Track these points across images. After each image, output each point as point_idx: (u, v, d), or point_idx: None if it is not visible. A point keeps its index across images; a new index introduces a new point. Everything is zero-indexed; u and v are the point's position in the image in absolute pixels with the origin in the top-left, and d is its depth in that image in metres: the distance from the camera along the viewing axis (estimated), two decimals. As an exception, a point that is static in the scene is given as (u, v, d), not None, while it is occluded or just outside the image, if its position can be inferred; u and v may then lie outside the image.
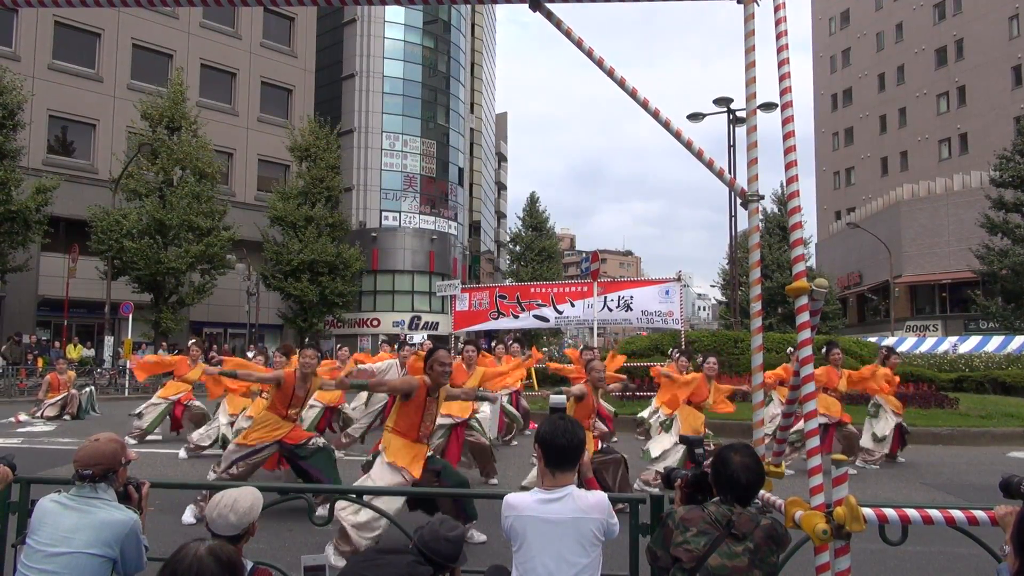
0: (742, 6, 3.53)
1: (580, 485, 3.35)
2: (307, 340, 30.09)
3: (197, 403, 11.99)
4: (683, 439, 3.29)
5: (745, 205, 3.58)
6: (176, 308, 27.40)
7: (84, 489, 2.94)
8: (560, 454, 2.98)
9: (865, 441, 10.07)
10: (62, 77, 30.08)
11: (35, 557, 2.81)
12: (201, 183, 27.46)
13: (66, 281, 26.45)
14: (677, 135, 3.55)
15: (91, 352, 28.22)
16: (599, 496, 3.03)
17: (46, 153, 29.50)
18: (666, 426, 8.50)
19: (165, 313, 26.76)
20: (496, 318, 18.87)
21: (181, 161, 27.17)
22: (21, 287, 27.67)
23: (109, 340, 26.22)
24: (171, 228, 26.14)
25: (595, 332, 17.48)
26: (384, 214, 42.57)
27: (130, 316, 24.49)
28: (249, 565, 2.73)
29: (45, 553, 2.80)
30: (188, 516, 6.34)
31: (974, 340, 28.32)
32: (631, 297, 18.36)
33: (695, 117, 22.10)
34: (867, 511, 2.86)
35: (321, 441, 6.82)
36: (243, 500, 2.79)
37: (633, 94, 3.59)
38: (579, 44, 3.61)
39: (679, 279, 18.50)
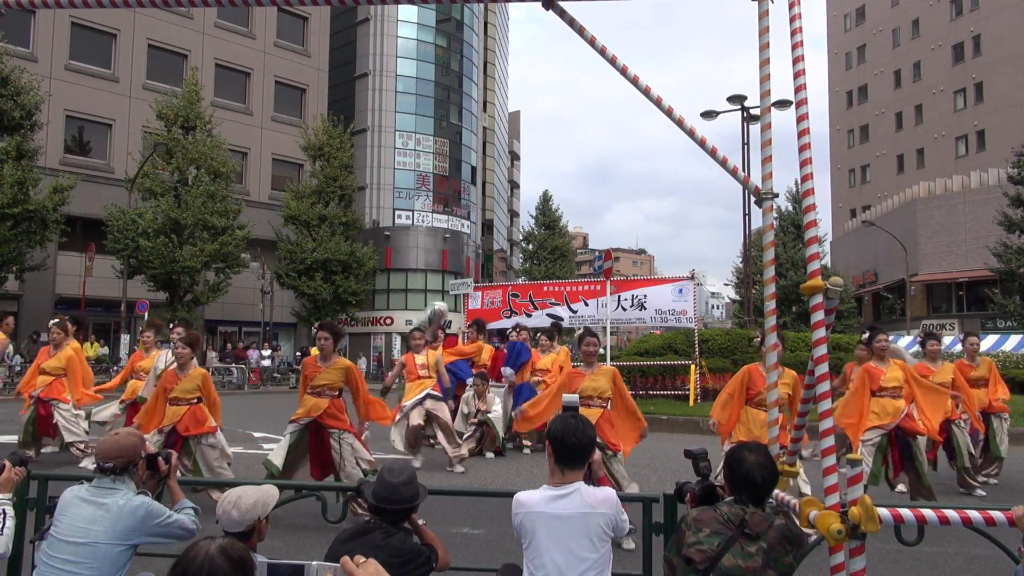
0: (756, 3, 3.51)
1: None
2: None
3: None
4: (687, 453, 3.24)
5: (759, 203, 3.55)
6: (191, 307, 27.61)
7: (104, 481, 3.03)
8: (571, 452, 3.00)
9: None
10: (78, 77, 30.36)
11: (57, 547, 2.91)
12: (216, 182, 27.64)
13: (83, 280, 26.71)
14: (691, 133, 3.53)
15: (106, 350, 28.49)
16: (607, 491, 3.06)
17: (63, 153, 29.78)
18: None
19: (180, 311, 26.93)
20: (509, 316, 18.78)
21: (196, 160, 27.36)
22: (38, 286, 27.95)
23: (125, 338, 26.45)
24: (186, 227, 26.34)
25: (608, 331, 17.40)
26: (397, 213, 42.66)
27: (146, 314, 24.68)
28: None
29: (66, 544, 2.90)
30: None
31: (992, 339, 27.97)
32: (644, 296, 18.24)
33: (709, 115, 21.99)
34: (883, 511, 2.83)
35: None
36: (247, 497, 2.81)
37: (646, 92, 3.57)
38: (592, 42, 3.59)
39: (693, 277, 18.36)
